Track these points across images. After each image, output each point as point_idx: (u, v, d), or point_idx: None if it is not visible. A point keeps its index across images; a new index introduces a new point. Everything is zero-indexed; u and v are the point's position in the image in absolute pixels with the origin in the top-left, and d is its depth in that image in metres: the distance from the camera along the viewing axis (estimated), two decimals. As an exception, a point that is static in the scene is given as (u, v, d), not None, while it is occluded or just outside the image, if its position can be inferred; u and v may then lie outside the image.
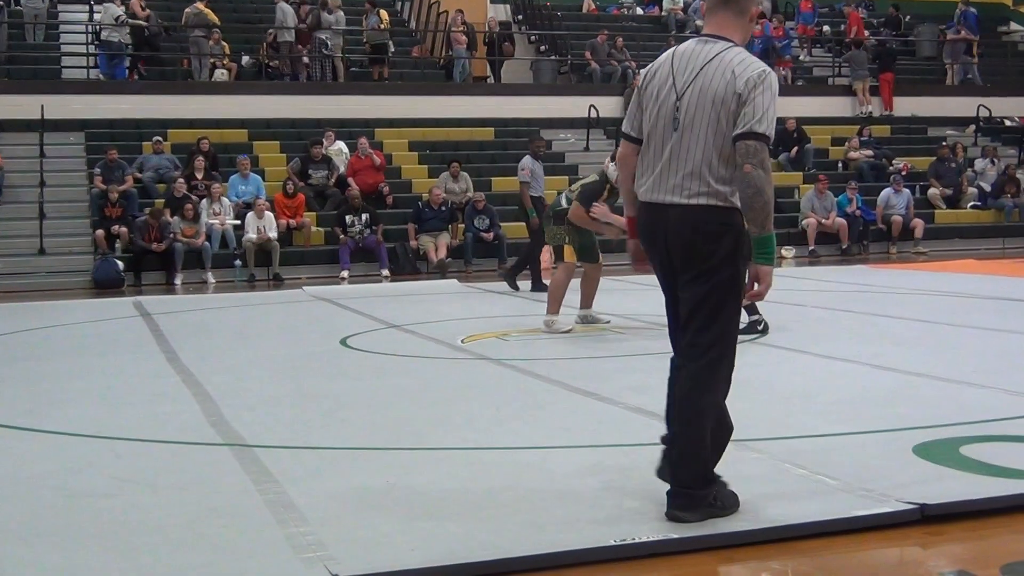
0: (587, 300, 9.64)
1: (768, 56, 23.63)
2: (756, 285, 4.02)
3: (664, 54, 4.20)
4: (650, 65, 4.21)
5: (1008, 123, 25.35)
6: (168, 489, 4.68)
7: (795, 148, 22.00)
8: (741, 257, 4.00)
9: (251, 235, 16.60)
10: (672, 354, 4.21)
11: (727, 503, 4.09)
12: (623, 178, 4.34)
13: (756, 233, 3.94)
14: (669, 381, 4.19)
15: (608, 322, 9.43)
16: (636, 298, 11.50)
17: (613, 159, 9.27)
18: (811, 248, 19.04)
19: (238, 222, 17.03)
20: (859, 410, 5.86)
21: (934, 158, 22.02)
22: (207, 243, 16.53)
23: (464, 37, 23.26)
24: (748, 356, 8.06)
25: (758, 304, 8.65)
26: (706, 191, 3.95)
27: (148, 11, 21.48)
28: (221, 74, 21.59)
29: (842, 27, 27.09)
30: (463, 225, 17.56)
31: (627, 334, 8.91)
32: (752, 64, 3.97)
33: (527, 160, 13.56)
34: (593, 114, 21.68)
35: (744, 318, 8.78)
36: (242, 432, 5.72)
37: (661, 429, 4.85)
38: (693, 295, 4.02)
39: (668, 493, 4.07)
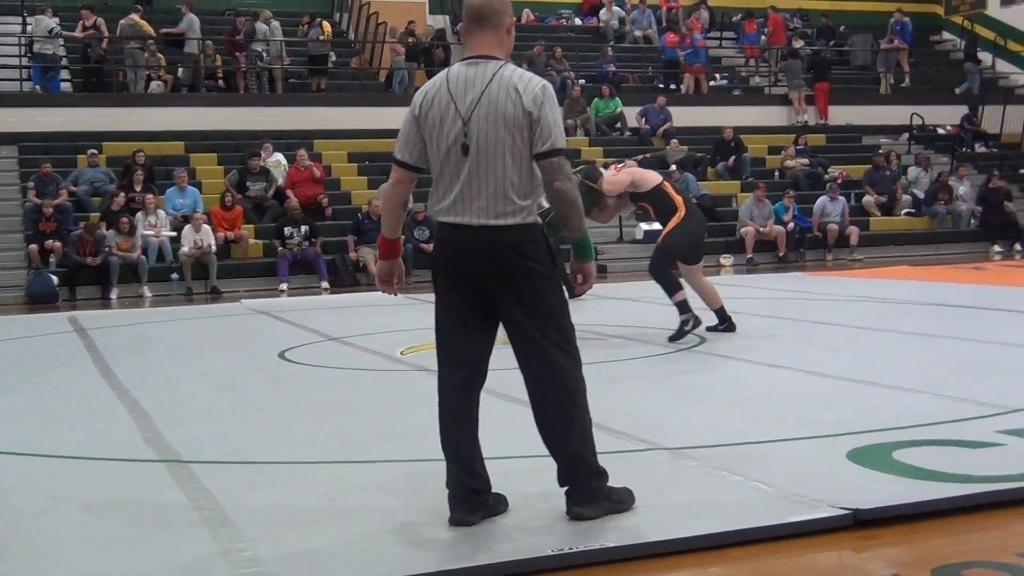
0: None
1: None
2: (581, 280, 4.25)
3: (434, 81, 4.19)
4: (421, 92, 4.19)
5: (941, 131, 25.77)
6: (102, 507, 4.62)
7: (733, 157, 22.22)
8: (556, 264, 4.16)
9: (188, 248, 16.44)
10: (452, 379, 4.22)
11: (623, 497, 4.21)
12: (393, 204, 4.34)
13: (576, 238, 4.14)
14: (454, 415, 4.20)
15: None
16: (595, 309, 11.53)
17: (589, 177, 9.40)
18: (749, 256, 19.22)
19: (174, 234, 16.88)
20: (794, 416, 5.92)
21: (869, 166, 22.36)
22: (143, 257, 16.38)
23: (402, 48, 23.24)
24: (685, 364, 8.17)
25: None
26: (513, 209, 4.04)
27: (94, 25, 21.21)
28: (157, 86, 21.40)
29: (765, 31, 27.39)
30: (403, 236, 17.49)
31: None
32: (531, 79, 4.07)
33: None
34: (563, 128, 21.67)
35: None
36: (178, 448, 5.65)
37: (602, 437, 4.87)
38: (527, 310, 4.08)
39: (566, 493, 4.15)
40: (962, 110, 26.35)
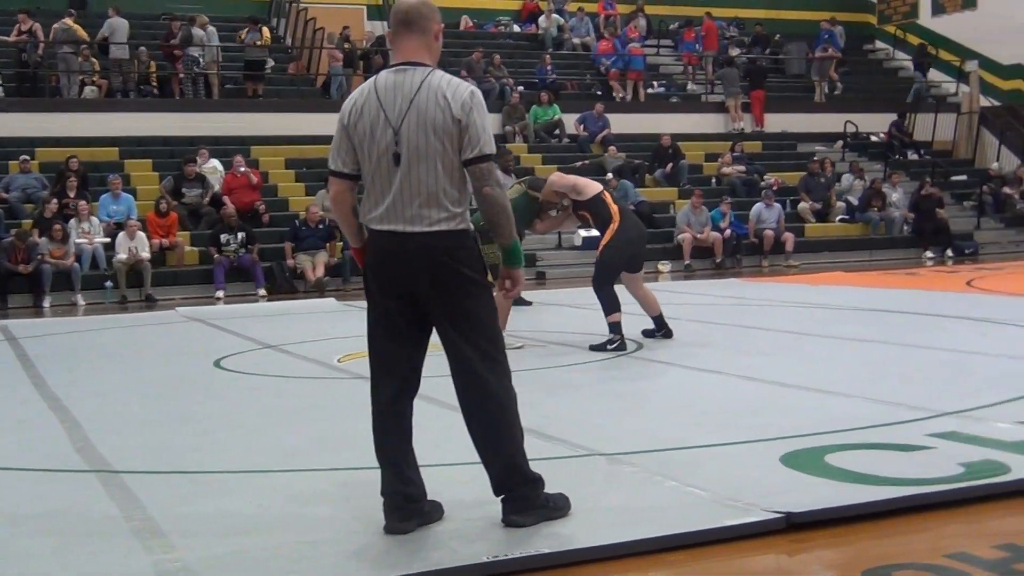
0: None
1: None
2: (509, 285, 4.27)
3: (362, 89, 4.18)
4: (350, 101, 4.18)
5: (874, 139, 26.14)
6: (31, 519, 4.54)
7: (670, 164, 22.38)
8: (488, 271, 4.16)
9: (122, 256, 16.25)
10: (385, 389, 4.22)
11: (559, 504, 4.22)
12: (343, 216, 4.29)
13: (505, 244, 4.15)
14: (387, 423, 4.21)
15: (521, 346, 9.27)
16: (534, 315, 11.55)
17: (533, 187, 9.41)
18: (686, 262, 19.35)
19: (108, 240, 16.67)
20: (729, 421, 5.96)
21: (804, 173, 22.59)
22: (76, 264, 16.16)
23: (340, 54, 23.15)
24: (623, 370, 8.21)
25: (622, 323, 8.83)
26: (446, 216, 4.05)
27: (30, 30, 20.91)
28: (91, 91, 21.15)
29: (699, 36, 27.66)
30: (341, 243, 17.44)
31: (512, 352, 8.91)
32: (459, 86, 4.08)
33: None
34: (492, 134, 21.69)
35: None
36: (109, 458, 5.58)
37: (538, 444, 4.88)
38: (458, 317, 4.09)
39: (502, 501, 4.15)
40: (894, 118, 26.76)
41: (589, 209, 9.13)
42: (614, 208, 8.97)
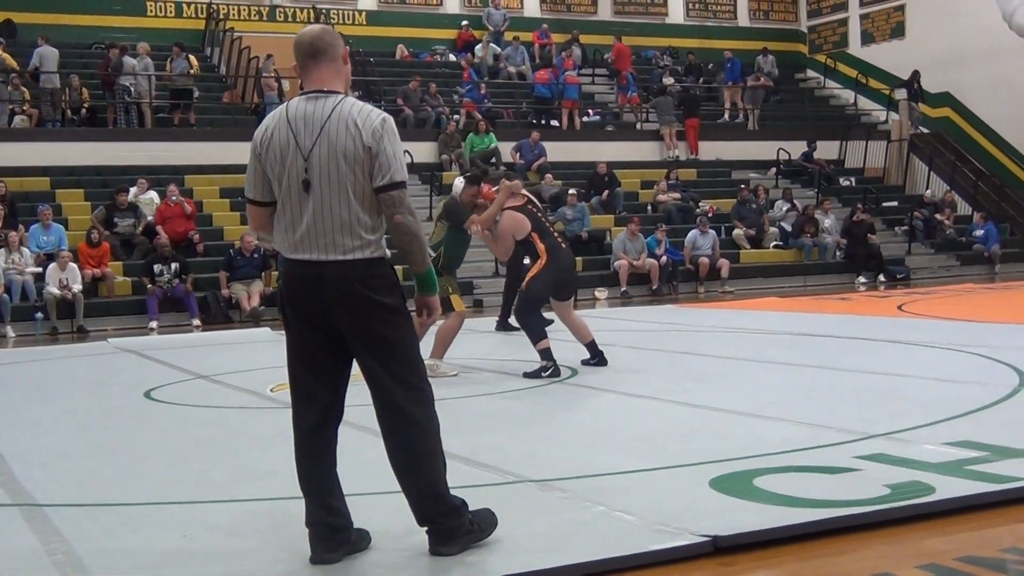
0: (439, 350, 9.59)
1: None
2: (427, 314, 4.25)
3: (273, 115, 4.17)
4: (262, 128, 4.16)
5: (808, 166, 26.44)
6: (-53, 555, 4.44)
7: (606, 192, 22.49)
8: (405, 298, 4.14)
9: (53, 288, 16.00)
10: (308, 420, 4.19)
11: (484, 523, 4.20)
12: (268, 235, 4.27)
13: (418, 272, 4.14)
14: (310, 452, 4.18)
15: (455, 374, 9.27)
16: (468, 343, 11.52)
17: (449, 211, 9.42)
18: (623, 289, 19.44)
19: (40, 270, 16.42)
20: (659, 446, 5.98)
21: (737, 200, 22.81)
22: (5, 295, 15.90)
23: (275, 83, 23.06)
24: (556, 397, 8.21)
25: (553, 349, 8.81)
26: (360, 244, 4.03)
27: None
28: (21, 120, 20.87)
29: (608, 57, 27.87)
30: (276, 272, 17.31)
31: (443, 379, 8.89)
32: (370, 113, 4.06)
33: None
34: (408, 159, 21.69)
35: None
36: (33, 491, 5.48)
37: (469, 471, 4.86)
38: (376, 345, 4.07)
39: (427, 531, 4.13)
40: (831, 146, 27.17)
41: (521, 245, 9.18)
42: (541, 247, 8.99)
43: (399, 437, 4.11)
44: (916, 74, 27.35)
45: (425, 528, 4.13)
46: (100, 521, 4.91)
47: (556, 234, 9.33)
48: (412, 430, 4.10)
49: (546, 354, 8.88)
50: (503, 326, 13.06)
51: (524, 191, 9.47)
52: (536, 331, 8.92)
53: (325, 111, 4.04)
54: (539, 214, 9.31)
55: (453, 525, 4.10)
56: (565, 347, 9.28)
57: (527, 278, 9.05)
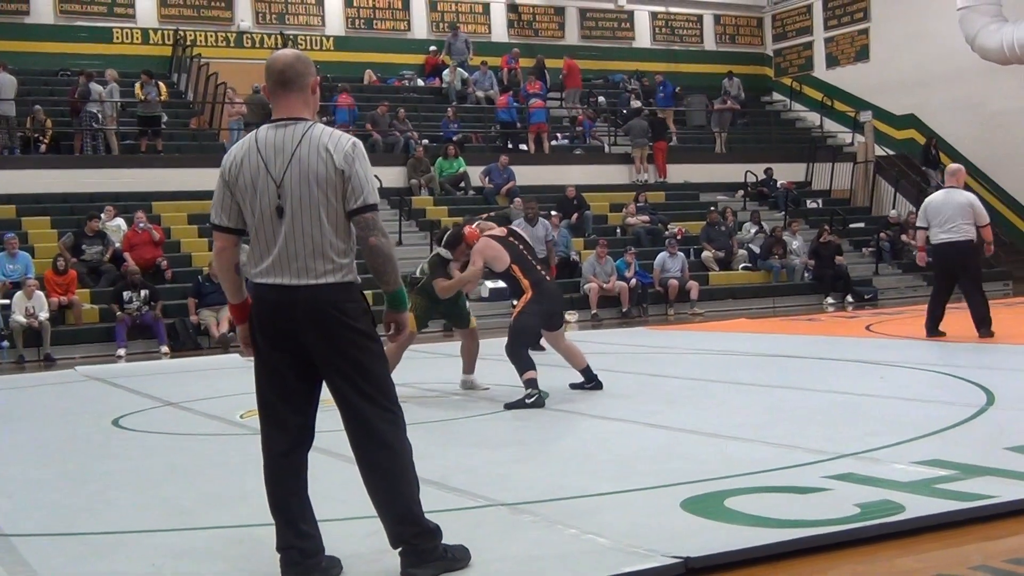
0: (469, 366, 9.80)
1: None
2: (396, 330, 4.27)
3: (242, 143, 4.18)
4: (229, 156, 4.18)
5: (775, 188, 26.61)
6: (-88, 586, 4.39)
7: (575, 215, 22.54)
8: (375, 322, 4.17)
9: (19, 317, 15.87)
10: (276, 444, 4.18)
11: (459, 555, 4.18)
12: (224, 270, 4.27)
13: (389, 290, 4.17)
14: (280, 476, 4.17)
15: (487, 388, 9.58)
16: (433, 366, 11.51)
17: (439, 241, 9.45)
18: (593, 312, 19.46)
19: (7, 302, 16.28)
20: (630, 468, 5.98)
21: (706, 222, 22.92)
22: (-29, 324, 15.74)
23: (244, 108, 23.03)
24: (527, 420, 8.19)
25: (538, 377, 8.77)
26: (332, 268, 4.06)
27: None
28: (-14, 148, 20.75)
29: (560, 77, 28.14)
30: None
31: (417, 403, 8.86)
32: (340, 138, 4.10)
33: (516, 223, 13.59)
34: (377, 184, 21.67)
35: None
36: (-1, 521, 5.43)
37: (438, 495, 4.85)
38: (346, 369, 4.07)
39: (399, 555, 4.10)
40: (798, 168, 27.36)
41: (503, 278, 9.21)
42: (525, 282, 8.92)
43: (373, 459, 4.10)
44: (930, 141, 27.24)
45: (398, 550, 4.12)
46: (68, 550, 4.87)
47: (539, 267, 9.24)
48: (385, 451, 4.09)
49: (531, 383, 8.67)
50: (537, 346, 13.00)
51: (505, 228, 9.48)
52: (524, 363, 8.78)
53: (295, 137, 4.06)
54: (520, 247, 9.18)
55: (427, 547, 4.09)
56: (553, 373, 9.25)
57: (515, 312, 8.99)
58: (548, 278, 9.25)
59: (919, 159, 27.46)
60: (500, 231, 9.28)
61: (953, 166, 13.39)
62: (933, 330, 12.55)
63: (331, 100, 24.04)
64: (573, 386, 9.37)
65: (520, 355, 8.83)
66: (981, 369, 9.43)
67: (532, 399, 8.61)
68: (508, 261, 9.01)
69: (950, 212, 12.29)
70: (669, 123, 27.80)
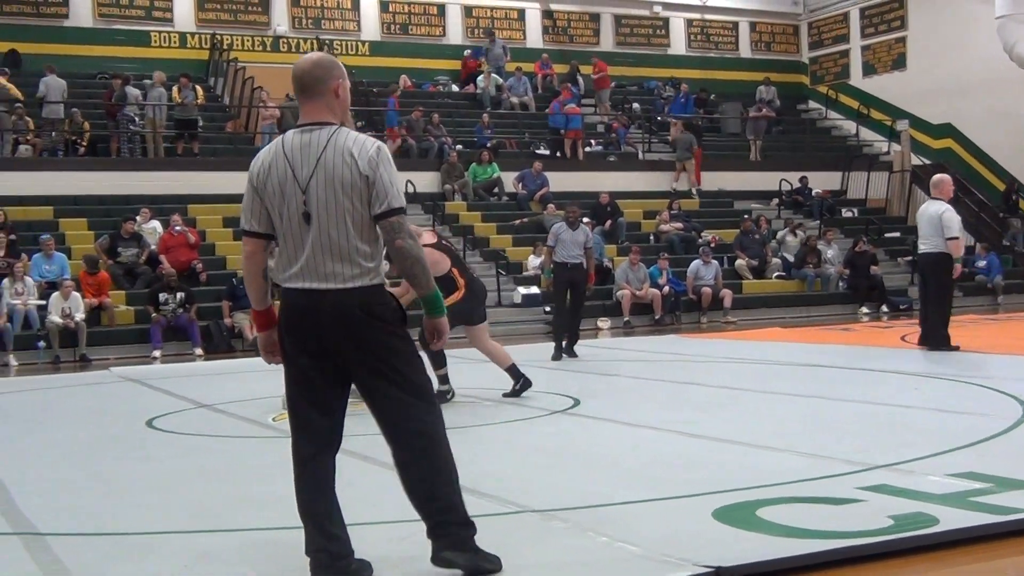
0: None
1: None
2: (436, 337, 4.25)
3: (269, 148, 4.20)
4: (257, 161, 4.19)
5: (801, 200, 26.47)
6: (-53, 584, 4.43)
7: (609, 222, 22.51)
8: (404, 322, 4.15)
9: (55, 318, 16.01)
10: (310, 447, 4.19)
11: (491, 559, 4.16)
12: (252, 275, 4.29)
13: (424, 294, 4.15)
14: (310, 480, 4.18)
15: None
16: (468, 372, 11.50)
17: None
18: (626, 319, 19.43)
19: (43, 303, 16.42)
20: (663, 476, 5.95)
21: (740, 230, 22.83)
22: (8, 324, 15.88)
23: (278, 112, 23.15)
24: (558, 425, 8.19)
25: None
26: (359, 272, 4.06)
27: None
28: (25, 150, 20.95)
29: (592, 77, 28.07)
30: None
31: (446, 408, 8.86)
32: (365, 142, 4.09)
33: (557, 226, 13.70)
34: (410, 189, 21.77)
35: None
36: (33, 520, 5.46)
37: (469, 501, 4.83)
38: (386, 363, 4.08)
39: (435, 541, 4.10)
40: (833, 176, 27.21)
41: (440, 280, 9.29)
42: (461, 281, 9.22)
43: (415, 445, 4.10)
44: (1012, 186, 26.79)
45: (434, 537, 4.10)
46: (100, 550, 4.90)
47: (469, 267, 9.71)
48: (426, 439, 4.10)
49: (443, 378, 9.16)
50: (571, 352, 13.09)
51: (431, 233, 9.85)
52: (439, 359, 9.09)
53: (321, 142, 4.07)
54: (454, 249, 9.77)
55: (465, 535, 4.09)
56: (567, 376, 9.25)
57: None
58: (476, 276, 9.77)
59: (1000, 206, 26.93)
60: (431, 238, 9.39)
61: (937, 176, 13.38)
62: (924, 340, 12.46)
63: (382, 104, 24.27)
64: (506, 395, 9.45)
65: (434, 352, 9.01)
66: (1017, 381, 9.34)
67: (448, 396, 9.13)
68: (449, 265, 9.24)
69: (923, 224, 12.48)
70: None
